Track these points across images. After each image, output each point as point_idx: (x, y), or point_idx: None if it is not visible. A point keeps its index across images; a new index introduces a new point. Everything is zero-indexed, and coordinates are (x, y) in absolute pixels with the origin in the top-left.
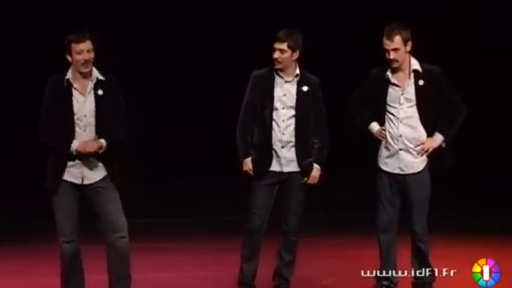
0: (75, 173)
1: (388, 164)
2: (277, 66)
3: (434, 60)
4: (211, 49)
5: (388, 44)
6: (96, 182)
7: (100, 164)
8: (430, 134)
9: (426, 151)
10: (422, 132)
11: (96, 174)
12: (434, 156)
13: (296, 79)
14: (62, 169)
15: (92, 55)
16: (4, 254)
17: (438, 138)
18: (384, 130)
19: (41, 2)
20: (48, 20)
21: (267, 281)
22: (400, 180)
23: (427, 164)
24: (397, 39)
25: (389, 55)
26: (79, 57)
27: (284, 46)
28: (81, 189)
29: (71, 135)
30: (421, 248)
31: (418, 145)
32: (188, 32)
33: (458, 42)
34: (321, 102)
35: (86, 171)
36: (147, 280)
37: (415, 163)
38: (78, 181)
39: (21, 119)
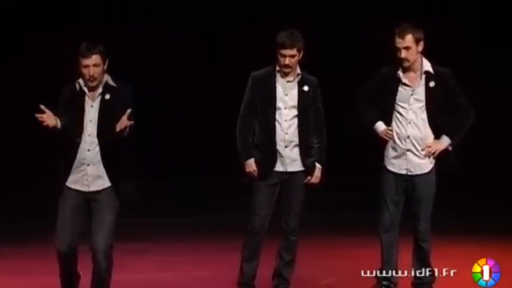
0: (81, 180)
1: (395, 165)
2: (287, 71)
3: (433, 60)
4: (211, 49)
5: (399, 42)
6: (98, 192)
7: (105, 173)
8: (437, 136)
9: (433, 154)
10: (429, 134)
11: (99, 184)
12: (439, 158)
13: (297, 79)
14: (66, 174)
15: (98, 70)
16: (4, 254)
17: (445, 141)
18: (391, 130)
19: (41, 3)
20: (48, 21)
21: (266, 280)
22: (406, 180)
23: (433, 166)
24: (409, 37)
25: (400, 53)
26: (85, 71)
27: (294, 51)
28: (86, 198)
29: (79, 140)
30: (423, 247)
31: (424, 149)
32: (188, 32)
33: (458, 42)
34: (320, 102)
35: (90, 178)
36: (147, 280)
37: (423, 164)
38: (84, 188)
39: (21, 119)
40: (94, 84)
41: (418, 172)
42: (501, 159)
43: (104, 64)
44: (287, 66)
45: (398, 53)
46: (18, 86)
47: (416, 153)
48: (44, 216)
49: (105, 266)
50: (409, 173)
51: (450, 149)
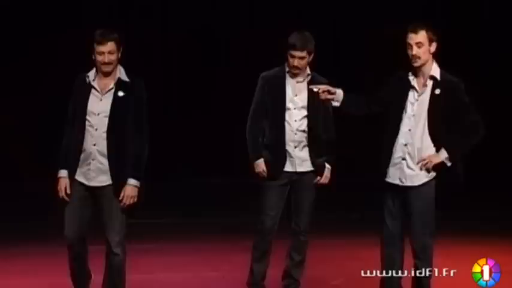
0: (86, 174)
1: (391, 174)
2: (296, 72)
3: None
4: (211, 50)
5: (411, 38)
6: (102, 188)
7: (108, 169)
8: (437, 148)
9: (427, 166)
10: (428, 145)
11: (101, 180)
12: (438, 175)
13: (307, 79)
14: (74, 168)
15: (113, 57)
16: (11, 255)
17: (442, 155)
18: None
19: (41, 3)
20: (48, 21)
21: (277, 281)
22: (400, 192)
23: (431, 180)
24: (422, 33)
25: (411, 50)
26: (99, 58)
27: (304, 53)
28: (90, 192)
29: (82, 133)
30: (418, 266)
31: (420, 161)
32: (188, 33)
33: (459, 41)
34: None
35: (93, 173)
36: (157, 280)
37: (415, 176)
38: (87, 182)
39: (21, 119)
40: (109, 69)
41: (409, 184)
42: (502, 159)
43: (119, 52)
44: (295, 67)
45: (409, 50)
46: (19, 85)
47: (410, 163)
48: (45, 216)
49: (123, 257)
50: (400, 184)
51: (449, 165)
